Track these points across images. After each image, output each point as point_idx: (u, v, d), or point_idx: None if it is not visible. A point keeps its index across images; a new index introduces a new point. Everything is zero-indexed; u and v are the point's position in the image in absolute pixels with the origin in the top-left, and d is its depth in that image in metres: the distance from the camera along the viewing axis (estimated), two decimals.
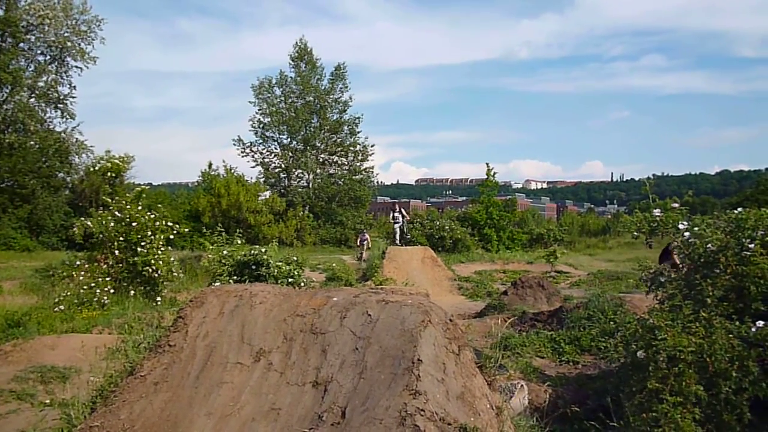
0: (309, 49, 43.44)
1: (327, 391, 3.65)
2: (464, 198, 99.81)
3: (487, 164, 34.08)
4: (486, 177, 34.46)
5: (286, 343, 3.98)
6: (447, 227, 28.82)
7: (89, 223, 14.59)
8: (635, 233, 7.33)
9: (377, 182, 52.44)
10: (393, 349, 3.68)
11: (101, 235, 14.29)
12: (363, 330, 3.83)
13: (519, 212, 38.35)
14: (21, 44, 34.89)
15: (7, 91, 34.20)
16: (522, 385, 5.80)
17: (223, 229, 15.49)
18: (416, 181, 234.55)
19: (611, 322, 8.94)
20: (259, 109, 42.52)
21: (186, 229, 17.69)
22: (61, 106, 36.25)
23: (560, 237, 33.95)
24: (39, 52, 36.14)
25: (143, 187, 20.81)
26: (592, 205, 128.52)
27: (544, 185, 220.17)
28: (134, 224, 14.26)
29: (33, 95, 35.61)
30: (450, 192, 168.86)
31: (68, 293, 13.26)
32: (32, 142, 34.40)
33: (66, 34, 35.70)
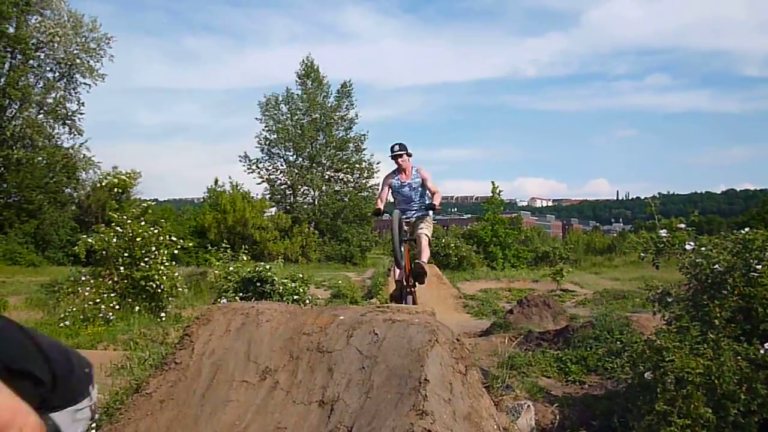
0: (315, 67, 43.75)
1: (333, 411, 3.63)
2: (469, 215, 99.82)
3: (492, 182, 34.15)
4: (491, 194, 34.49)
5: (293, 361, 3.98)
6: (452, 245, 28.80)
7: (91, 240, 14.64)
8: (642, 254, 7.30)
9: None
10: (400, 369, 3.67)
11: (104, 252, 14.33)
12: (370, 349, 3.83)
13: (524, 230, 38.32)
14: (30, 61, 35.26)
15: (16, 107, 34.52)
16: (529, 406, 5.76)
17: (228, 246, 15.52)
18: None
19: (618, 342, 8.87)
20: (265, 126, 42.83)
21: (191, 244, 17.72)
22: (69, 122, 36.54)
23: (566, 255, 33.89)
24: (48, 68, 36.48)
25: (149, 202, 20.90)
26: (598, 224, 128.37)
27: (550, 203, 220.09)
28: (138, 240, 14.29)
29: (41, 111, 35.91)
30: (455, 209, 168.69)
31: (73, 309, 13.27)
32: (40, 158, 34.65)
33: (75, 52, 36.03)
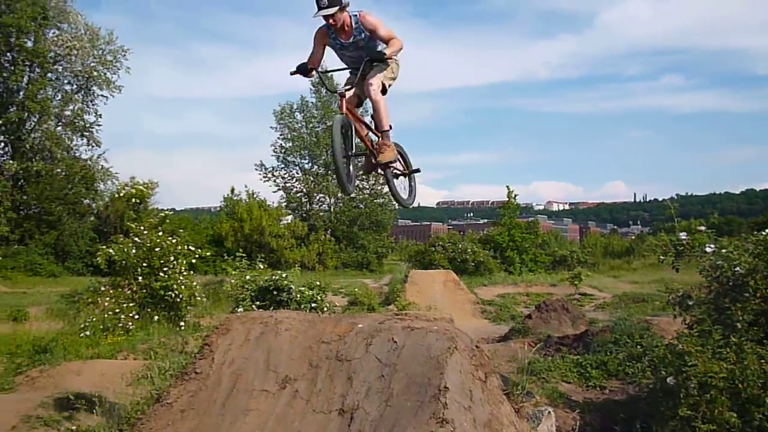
0: (330, 75, 43.84)
1: (353, 419, 3.63)
2: (485, 220, 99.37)
3: (508, 186, 34.10)
4: (507, 199, 34.40)
5: (312, 370, 3.98)
6: (469, 250, 28.71)
7: (111, 250, 14.76)
8: (661, 257, 7.24)
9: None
10: (419, 377, 3.66)
11: (124, 262, 14.44)
12: (389, 357, 3.82)
13: (541, 234, 38.13)
14: (49, 74, 35.74)
15: (35, 120, 35.02)
16: (549, 412, 5.72)
17: (244, 254, 15.59)
18: (437, 203, 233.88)
19: (638, 346, 8.80)
20: (280, 135, 43.05)
21: (208, 253, 17.81)
22: (87, 134, 36.99)
23: (584, 259, 33.66)
24: (66, 81, 36.99)
25: (166, 212, 21.04)
26: (615, 226, 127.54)
27: (566, 207, 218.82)
28: (156, 249, 14.38)
29: (60, 124, 36.39)
30: (471, 214, 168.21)
31: (93, 319, 13.36)
32: (59, 170, 35.09)
33: (92, 64, 36.50)
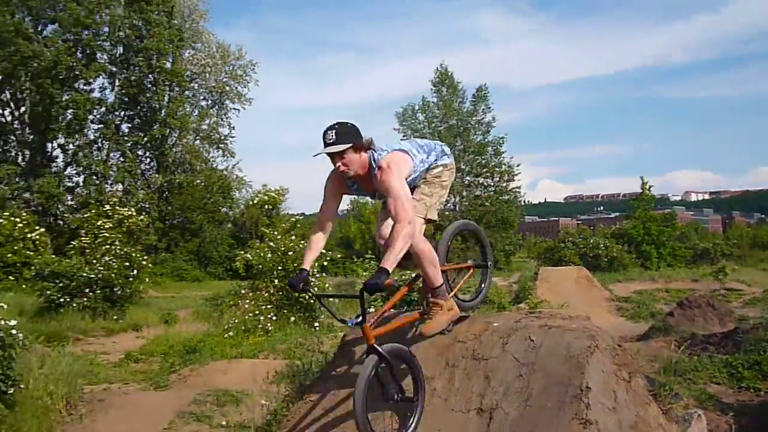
0: (450, 73, 43.82)
1: (492, 419, 3.60)
2: (617, 214, 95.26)
3: (642, 177, 32.55)
4: (641, 191, 32.86)
5: (449, 369, 3.99)
6: (601, 245, 27.69)
7: (249, 255, 15.53)
8: None
9: (525, 202, 51.54)
10: (558, 376, 3.58)
11: (260, 267, 15.14)
12: (526, 356, 3.76)
13: (680, 226, 36.07)
14: (186, 92, 38.31)
15: (176, 135, 37.63)
16: (699, 415, 5.40)
17: (372, 256, 15.86)
18: (565, 198, 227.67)
19: None
20: (403, 136, 43.46)
21: (338, 256, 18.33)
22: (222, 145, 39.32)
23: (728, 251, 31.54)
24: (201, 97, 39.57)
25: (297, 217, 21.91)
26: (764, 216, 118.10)
27: (706, 196, 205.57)
28: (290, 253, 14.97)
29: (198, 137, 38.89)
30: (601, 208, 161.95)
31: (235, 320, 14.14)
32: (198, 181, 37.51)
33: (224, 80, 38.77)
